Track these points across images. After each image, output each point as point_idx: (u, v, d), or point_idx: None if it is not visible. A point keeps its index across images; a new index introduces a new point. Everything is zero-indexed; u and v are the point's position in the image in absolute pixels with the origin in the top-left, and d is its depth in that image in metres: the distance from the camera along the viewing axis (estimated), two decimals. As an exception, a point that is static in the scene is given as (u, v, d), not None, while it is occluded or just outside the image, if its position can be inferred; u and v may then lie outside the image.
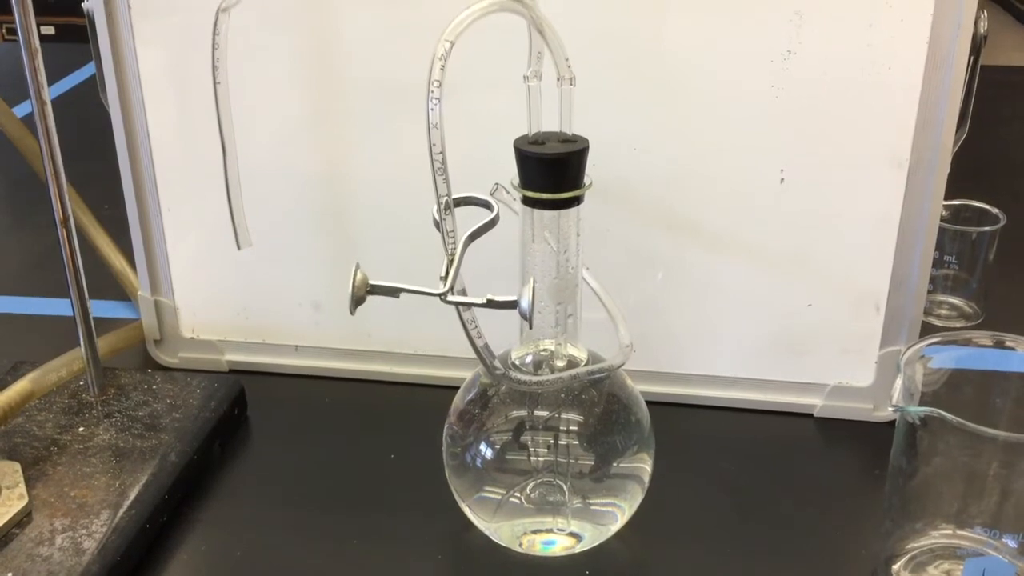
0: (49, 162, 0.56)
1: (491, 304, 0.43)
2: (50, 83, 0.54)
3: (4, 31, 2.56)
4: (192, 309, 0.69)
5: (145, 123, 0.64)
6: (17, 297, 0.80)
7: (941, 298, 0.75)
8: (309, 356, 0.69)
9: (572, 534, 0.54)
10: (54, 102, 0.55)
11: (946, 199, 0.63)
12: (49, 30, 2.39)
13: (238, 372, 0.69)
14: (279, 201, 0.65)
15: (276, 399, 0.67)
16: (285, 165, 0.64)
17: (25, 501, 0.53)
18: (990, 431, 0.45)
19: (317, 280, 0.67)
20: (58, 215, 0.57)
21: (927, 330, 0.64)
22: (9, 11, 0.50)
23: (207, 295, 0.69)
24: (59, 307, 0.78)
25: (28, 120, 0.56)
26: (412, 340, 0.68)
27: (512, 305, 0.42)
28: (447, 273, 0.42)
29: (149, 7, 0.61)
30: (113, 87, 0.63)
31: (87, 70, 1.27)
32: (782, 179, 0.60)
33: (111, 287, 0.75)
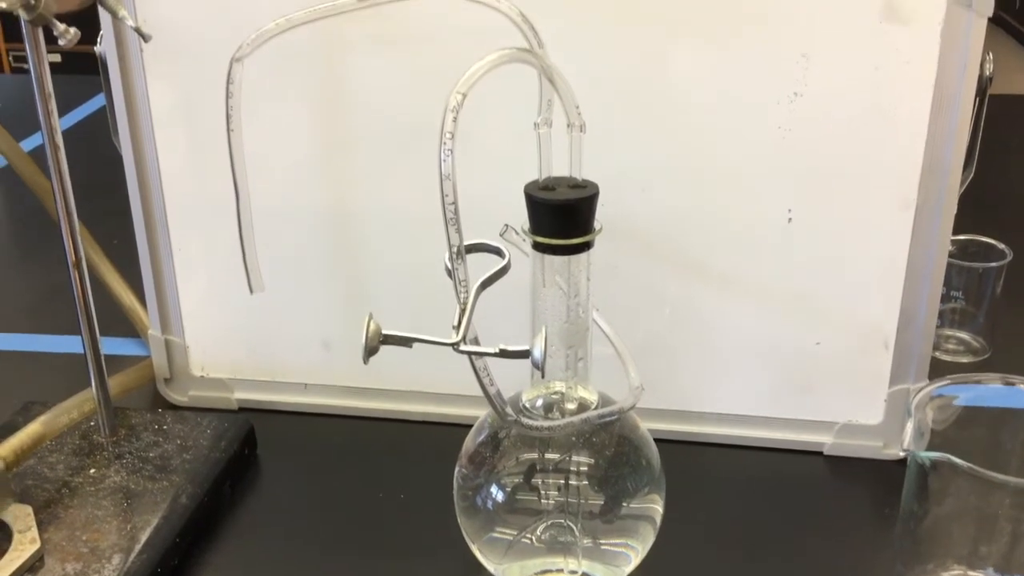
0: (62, 205, 0.56)
1: (504, 354, 0.43)
2: (60, 115, 0.55)
3: (11, 59, 2.59)
4: (202, 347, 0.70)
5: (157, 164, 0.64)
6: (27, 335, 0.80)
7: (948, 332, 0.76)
8: (319, 394, 0.69)
9: (584, 575, 0.54)
10: (64, 134, 0.55)
11: (953, 234, 0.64)
12: (55, 58, 2.41)
13: (248, 410, 0.70)
14: (290, 240, 0.65)
15: (286, 437, 0.67)
16: (296, 205, 0.65)
17: (37, 545, 0.53)
18: (1000, 477, 0.45)
19: (327, 319, 0.67)
20: (70, 258, 0.57)
21: (935, 365, 0.64)
22: (16, 39, 0.51)
23: (217, 333, 0.69)
24: (70, 344, 0.78)
25: (37, 153, 0.56)
26: (422, 378, 0.68)
27: (525, 355, 0.43)
28: (459, 322, 0.43)
29: (161, 51, 0.61)
30: (125, 129, 0.64)
31: (96, 101, 1.28)
32: (790, 219, 0.60)
33: (121, 323, 0.75)
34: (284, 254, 0.65)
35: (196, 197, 0.65)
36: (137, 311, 0.73)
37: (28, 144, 1.07)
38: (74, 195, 0.57)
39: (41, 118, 0.54)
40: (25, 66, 0.54)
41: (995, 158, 1.03)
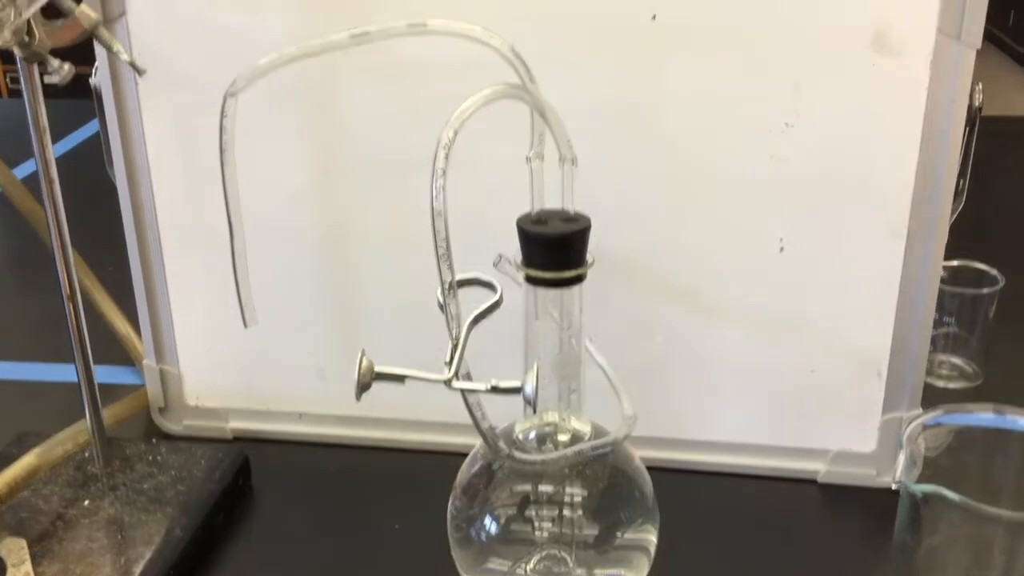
0: (57, 238, 0.56)
1: (496, 390, 0.43)
2: (54, 140, 0.55)
3: (8, 80, 2.59)
4: (196, 376, 0.70)
5: (151, 195, 0.65)
6: (21, 363, 0.80)
7: (941, 357, 0.76)
8: (313, 423, 0.69)
9: (578, 607, 0.54)
10: (59, 159, 0.55)
11: (945, 259, 0.64)
12: (53, 78, 2.41)
13: (242, 439, 0.70)
14: (284, 270, 0.66)
15: (280, 466, 0.67)
16: (290, 235, 0.65)
17: (31, 580, 0.53)
18: (993, 510, 0.45)
19: (321, 348, 0.68)
20: (65, 291, 0.57)
21: (928, 391, 0.64)
22: (13, 60, 0.51)
23: (211, 363, 0.69)
24: (64, 372, 0.78)
25: (32, 179, 0.56)
26: (416, 407, 0.68)
27: (516, 391, 0.43)
28: (451, 359, 0.43)
29: (155, 83, 0.61)
30: (120, 160, 0.64)
31: (92, 126, 1.28)
32: (781, 248, 0.61)
33: (115, 351, 0.75)
34: (278, 283, 0.66)
35: (190, 227, 0.66)
36: (132, 339, 0.73)
37: (25, 169, 1.08)
38: (68, 220, 0.57)
39: (36, 154, 0.54)
40: (19, 86, 0.54)
41: (988, 181, 1.04)
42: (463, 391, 0.43)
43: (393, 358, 0.66)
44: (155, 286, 0.67)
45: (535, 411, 0.47)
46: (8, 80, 2.63)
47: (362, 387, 0.43)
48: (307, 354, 0.68)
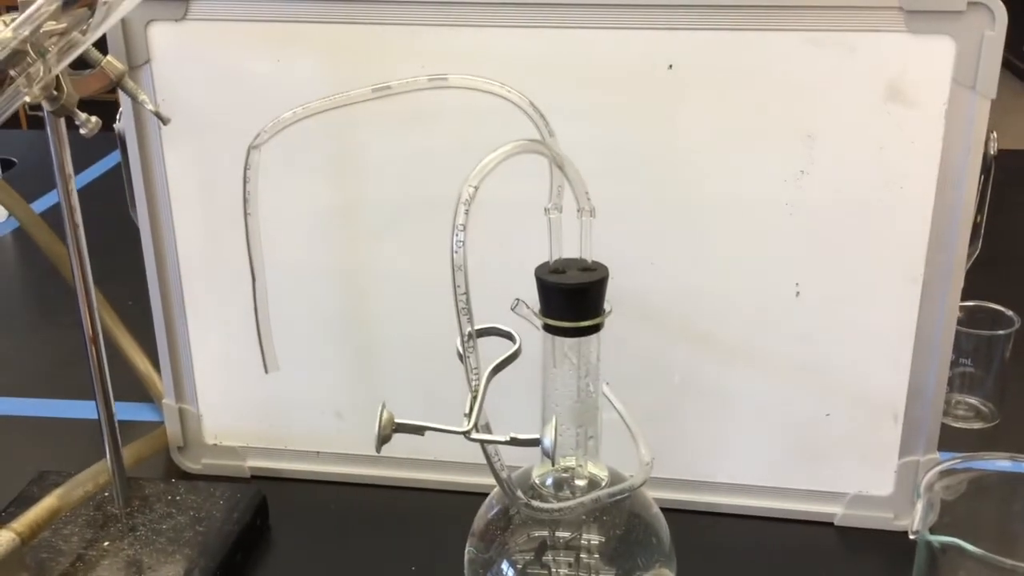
0: (80, 280, 0.57)
1: (515, 442, 0.43)
2: (75, 172, 0.56)
3: (27, 108, 2.61)
4: (215, 416, 0.70)
5: (173, 238, 0.66)
6: (43, 400, 0.81)
7: (958, 397, 0.76)
8: (331, 462, 0.70)
9: (594, 654, 0.54)
10: (81, 191, 0.56)
11: (961, 300, 0.64)
12: (80, 130, 2.42)
13: (260, 478, 0.70)
14: (303, 311, 0.66)
15: (298, 505, 0.68)
16: (309, 277, 0.66)
17: (52, 622, 0.53)
18: (1009, 562, 0.45)
19: (339, 388, 0.68)
20: (88, 333, 0.58)
21: (944, 431, 0.64)
22: None
23: (230, 402, 0.70)
24: (84, 410, 0.78)
25: (53, 211, 0.57)
26: (434, 447, 0.68)
27: (535, 443, 0.43)
28: (471, 410, 0.43)
29: (179, 130, 0.62)
30: (143, 203, 0.65)
31: (111, 159, 1.30)
32: (797, 292, 0.61)
33: (135, 389, 0.76)
34: (297, 324, 0.66)
35: (211, 269, 0.66)
36: (152, 377, 0.74)
37: (45, 201, 1.09)
38: (90, 255, 0.57)
39: (61, 198, 0.55)
40: (40, 113, 0.54)
41: (1003, 218, 1.03)
42: (482, 443, 0.44)
43: (411, 399, 0.67)
44: (175, 326, 0.68)
45: (553, 463, 0.47)
46: (27, 109, 2.65)
47: (383, 439, 0.43)
48: (325, 394, 0.68)
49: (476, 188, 0.43)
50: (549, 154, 0.47)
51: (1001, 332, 0.73)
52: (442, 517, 0.62)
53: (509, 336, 0.48)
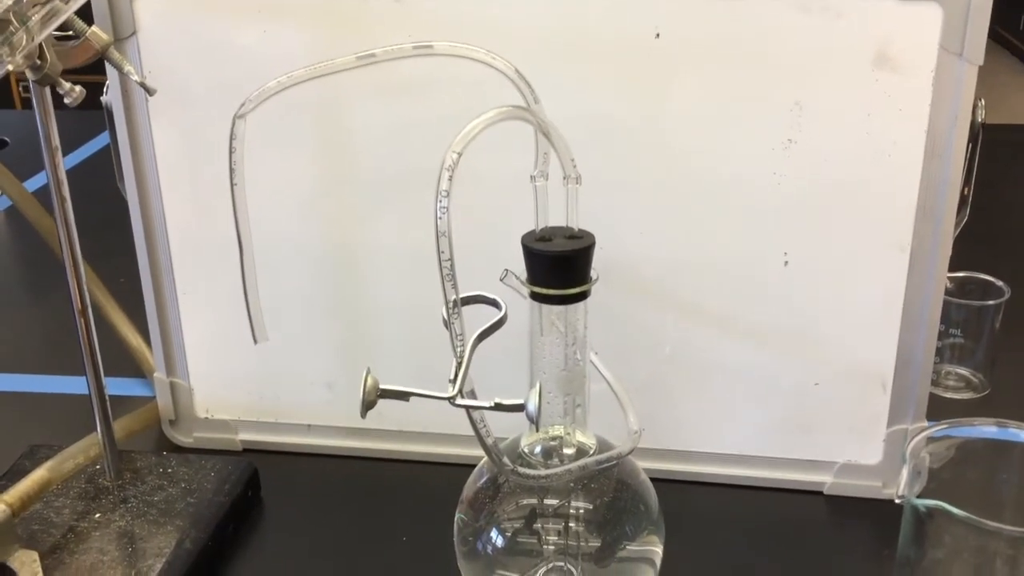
0: (68, 254, 0.57)
1: (499, 407, 0.44)
2: (65, 153, 0.56)
3: (21, 89, 2.61)
4: (207, 389, 0.70)
5: (162, 210, 0.65)
6: (33, 375, 0.81)
7: (948, 368, 0.76)
8: (322, 435, 0.70)
9: (585, 620, 0.54)
10: (71, 172, 0.56)
11: (951, 270, 0.64)
12: (64, 99, 2.42)
13: (252, 451, 0.70)
14: (292, 284, 0.66)
15: (289, 478, 0.68)
16: (298, 250, 0.66)
17: (43, 592, 0.54)
18: (995, 525, 0.46)
19: (330, 361, 0.68)
20: (76, 306, 0.58)
21: (934, 401, 0.64)
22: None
23: (221, 376, 0.70)
24: (76, 385, 0.79)
25: (43, 192, 0.57)
26: (423, 419, 0.69)
27: (519, 408, 0.43)
28: (456, 376, 0.43)
29: (166, 101, 0.62)
30: (131, 177, 0.65)
31: (102, 139, 1.29)
32: (786, 262, 0.61)
33: (127, 364, 0.76)
34: (287, 297, 0.66)
35: (200, 242, 0.66)
36: (143, 352, 0.74)
37: (38, 180, 1.09)
38: (80, 232, 0.57)
39: (48, 173, 0.55)
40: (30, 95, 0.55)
41: (995, 191, 1.04)
42: (467, 408, 0.44)
43: (401, 370, 0.67)
44: (166, 299, 0.68)
45: (538, 428, 0.47)
46: (21, 89, 2.65)
47: (367, 405, 0.43)
48: (316, 367, 0.69)
49: (460, 154, 0.43)
50: (534, 121, 0.47)
51: (991, 302, 0.73)
52: (433, 489, 0.62)
53: (495, 304, 0.48)
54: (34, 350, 0.85)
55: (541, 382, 0.46)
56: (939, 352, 0.74)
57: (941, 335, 0.73)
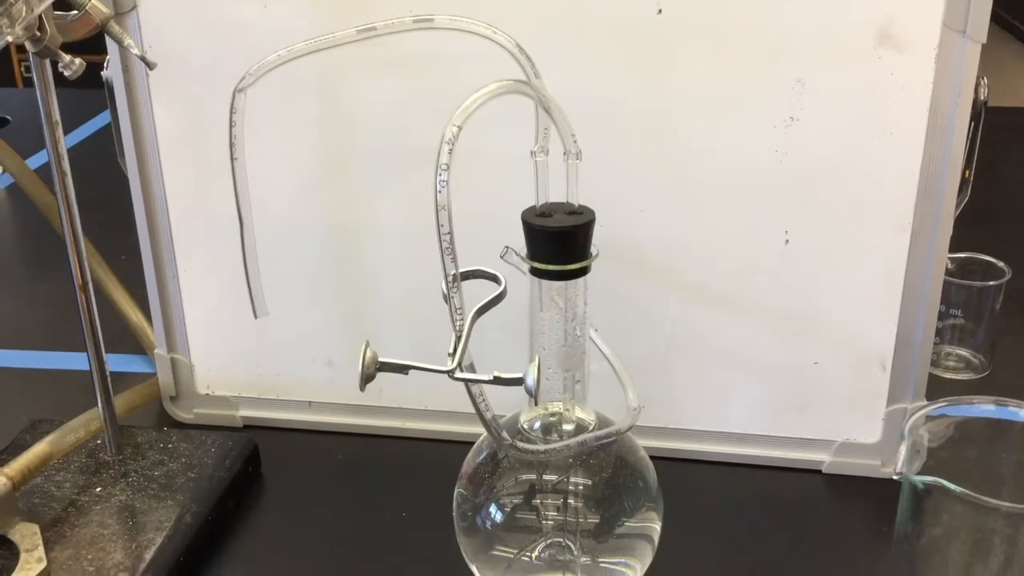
0: (69, 229, 0.57)
1: (497, 381, 0.44)
2: (66, 132, 0.56)
3: (23, 70, 2.60)
4: (207, 366, 0.70)
5: (162, 186, 0.65)
6: (35, 352, 0.81)
7: (948, 349, 0.76)
8: (322, 412, 0.70)
9: (583, 595, 0.55)
10: (71, 151, 0.56)
11: (952, 252, 0.64)
12: (64, 72, 2.42)
13: (252, 427, 0.71)
14: (293, 261, 0.66)
15: (289, 455, 0.68)
16: (299, 227, 0.66)
17: (44, 565, 0.54)
18: (993, 501, 0.46)
19: (330, 338, 0.68)
20: (77, 281, 0.58)
21: (934, 382, 0.65)
22: (26, 51, 0.52)
23: (222, 352, 0.70)
24: (77, 361, 0.79)
25: (45, 169, 0.57)
26: (423, 396, 0.69)
27: (518, 382, 0.43)
28: (455, 349, 0.43)
29: (166, 76, 0.62)
30: (131, 152, 0.65)
31: (104, 117, 1.29)
32: (787, 240, 0.61)
33: (127, 340, 0.76)
34: (288, 274, 0.66)
35: (201, 218, 0.66)
36: (144, 329, 0.74)
37: (40, 158, 1.09)
38: (81, 210, 0.57)
39: (48, 147, 0.55)
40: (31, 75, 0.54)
41: (997, 173, 1.03)
42: (466, 382, 0.44)
43: (402, 347, 0.67)
44: (166, 275, 0.68)
45: (536, 403, 0.47)
46: (23, 69, 2.65)
47: (366, 378, 0.43)
48: (316, 344, 0.69)
49: (459, 128, 0.43)
50: (534, 95, 0.47)
51: (992, 283, 0.73)
52: (433, 466, 0.62)
53: (494, 278, 0.48)
54: (35, 326, 0.85)
55: (540, 357, 0.46)
56: (939, 333, 0.74)
57: (941, 316, 0.73)
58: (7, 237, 1.06)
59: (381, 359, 0.44)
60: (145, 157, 0.65)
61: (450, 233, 0.43)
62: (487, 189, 0.60)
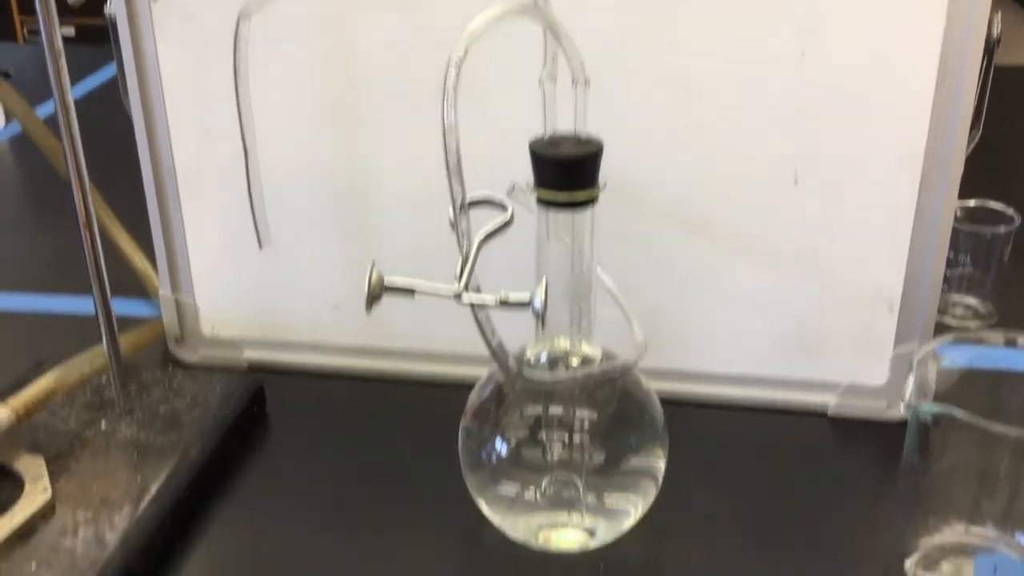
0: (73, 165, 0.57)
1: (504, 303, 0.43)
2: (72, 84, 0.55)
3: (26, 32, 2.60)
4: (212, 308, 0.70)
5: (166, 125, 0.65)
6: (39, 295, 0.81)
7: (956, 298, 0.76)
8: (328, 354, 0.70)
9: (586, 530, 0.55)
10: (77, 102, 0.56)
11: (961, 199, 0.63)
12: (69, 31, 2.41)
13: (257, 370, 0.70)
14: (299, 203, 0.66)
15: (295, 397, 0.68)
16: (304, 167, 0.65)
17: (48, 495, 0.54)
18: (1001, 428, 0.45)
19: (336, 280, 0.68)
20: (81, 218, 0.58)
21: (941, 330, 0.64)
22: (31, 11, 0.51)
23: (227, 294, 0.70)
24: (81, 305, 0.79)
25: (50, 122, 0.57)
26: (430, 339, 0.68)
27: (525, 305, 0.43)
28: (461, 272, 0.43)
29: (170, 12, 0.62)
30: (135, 90, 0.64)
31: (107, 71, 1.29)
32: (796, 180, 0.60)
33: (132, 285, 0.76)
34: (294, 216, 0.66)
35: (206, 158, 0.66)
36: (149, 274, 0.74)
37: (40, 113, 1.08)
38: (89, 162, 0.57)
39: (52, 75, 0.54)
40: (39, 37, 0.54)
41: (1006, 127, 1.03)
42: (472, 305, 0.44)
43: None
44: (170, 215, 0.68)
45: (543, 325, 0.47)
46: (26, 32, 2.64)
47: (372, 299, 0.43)
48: (322, 286, 0.68)
49: (467, 49, 0.43)
50: (542, 19, 0.46)
51: (1001, 229, 0.72)
52: (438, 408, 0.62)
53: (501, 206, 0.48)
54: (40, 271, 0.85)
55: (548, 281, 0.45)
56: (947, 281, 0.74)
57: (950, 263, 0.73)
58: (12, 187, 1.06)
59: (387, 281, 0.44)
60: (148, 95, 0.64)
61: (457, 154, 0.43)
62: (492, 129, 0.59)
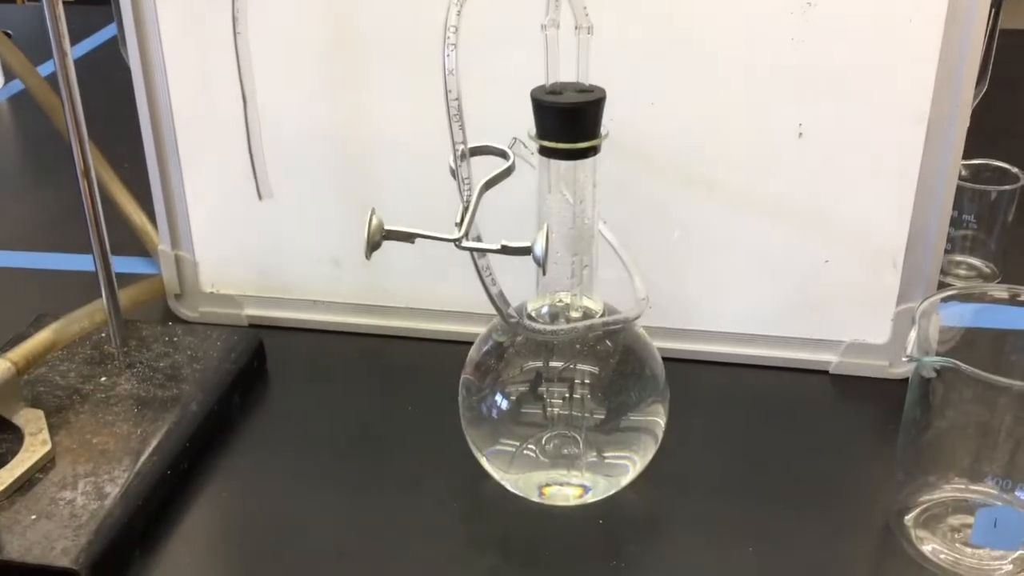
0: (71, 115, 0.56)
1: (505, 250, 0.43)
2: (72, 44, 0.55)
3: (26, -3, 2.58)
4: (212, 264, 0.70)
5: (165, 78, 0.64)
6: (39, 253, 0.81)
7: (959, 258, 0.75)
8: (328, 311, 0.70)
9: (584, 486, 0.55)
10: (76, 63, 0.55)
11: (966, 158, 0.63)
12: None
13: (257, 326, 0.70)
14: (298, 158, 0.65)
15: (295, 353, 0.68)
16: (304, 122, 0.64)
17: (48, 447, 0.54)
18: (1004, 380, 0.45)
19: (336, 236, 0.68)
20: (79, 166, 0.57)
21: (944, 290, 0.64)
22: None
23: (227, 250, 0.69)
24: (80, 262, 0.78)
25: (50, 80, 0.56)
26: (429, 295, 0.68)
27: (526, 251, 0.43)
28: (462, 219, 0.43)
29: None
30: (133, 41, 0.64)
31: (107, 32, 1.28)
32: (800, 133, 0.60)
33: (132, 243, 0.75)
34: (294, 172, 0.65)
35: (205, 112, 0.65)
36: (148, 231, 0.73)
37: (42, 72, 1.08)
38: (89, 122, 0.56)
39: (48, 22, 0.54)
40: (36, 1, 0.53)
41: (1011, 87, 1.02)
42: (472, 251, 0.43)
43: (410, 247, 0.66)
44: (170, 171, 0.67)
45: (544, 272, 0.46)
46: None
47: (372, 246, 0.43)
48: (322, 242, 0.68)
49: (468, -10, 0.42)
50: (545, -38, 0.45)
51: (1007, 188, 0.72)
52: (438, 365, 0.62)
53: (503, 154, 0.47)
54: (38, 227, 0.85)
55: (549, 227, 0.45)
56: (951, 241, 0.74)
57: (954, 222, 0.72)
58: (12, 144, 1.05)
59: (387, 227, 0.43)
60: (148, 46, 0.64)
61: (458, 99, 0.42)
62: (493, 79, 0.58)
